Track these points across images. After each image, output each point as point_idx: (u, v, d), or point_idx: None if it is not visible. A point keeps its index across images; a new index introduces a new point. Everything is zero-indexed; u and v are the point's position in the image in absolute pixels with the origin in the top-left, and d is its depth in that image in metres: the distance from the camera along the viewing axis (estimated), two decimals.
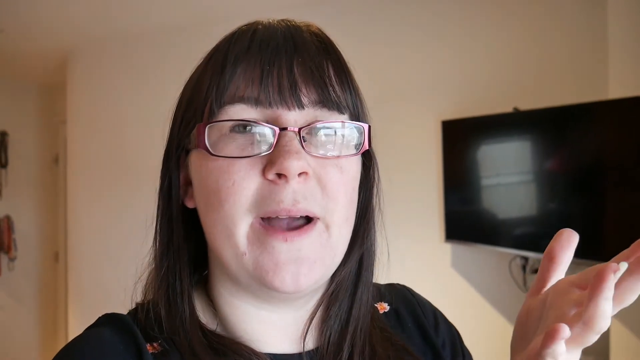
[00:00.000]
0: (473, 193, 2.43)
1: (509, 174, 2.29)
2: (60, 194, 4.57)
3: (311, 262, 0.49)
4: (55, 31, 3.39)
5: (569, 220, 2.01)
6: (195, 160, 0.53)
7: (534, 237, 2.14)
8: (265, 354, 0.53)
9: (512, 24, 2.48)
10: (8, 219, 4.62)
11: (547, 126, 2.10)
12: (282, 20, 0.55)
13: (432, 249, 2.66)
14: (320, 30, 0.56)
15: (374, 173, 0.59)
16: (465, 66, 2.58)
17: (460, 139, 2.48)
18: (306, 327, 0.56)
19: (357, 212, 0.57)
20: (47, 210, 4.87)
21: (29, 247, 4.76)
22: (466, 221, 2.46)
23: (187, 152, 0.54)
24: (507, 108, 2.27)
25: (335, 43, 0.55)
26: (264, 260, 0.48)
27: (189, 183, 0.55)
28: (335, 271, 0.57)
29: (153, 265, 0.57)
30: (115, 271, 3.51)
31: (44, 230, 4.88)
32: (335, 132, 0.51)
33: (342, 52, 0.55)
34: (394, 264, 0.61)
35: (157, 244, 0.56)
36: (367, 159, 0.58)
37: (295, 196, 0.48)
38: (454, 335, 0.68)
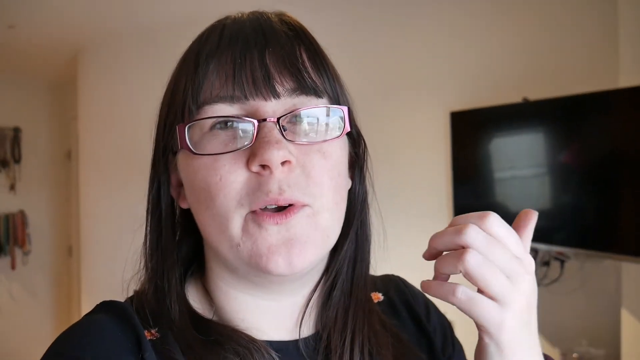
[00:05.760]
0: (483, 185, 2.41)
1: (519, 166, 2.26)
2: (73, 188, 4.62)
3: (302, 242, 0.49)
4: (66, 27, 3.41)
5: (582, 212, 1.98)
6: (182, 161, 0.54)
7: (545, 229, 2.12)
8: (263, 341, 0.53)
9: (520, 13, 2.45)
10: (22, 213, 4.69)
11: (557, 116, 2.07)
12: (252, 12, 0.55)
13: None
14: (291, 17, 0.56)
15: (362, 153, 0.59)
16: (474, 56, 2.56)
17: (469, 130, 2.46)
18: (302, 314, 0.57)
19: (353, 195, 0.58)
20: (60, 205, 4.94)
21: (43, 241, 4.84)
22: None
23: (175, 154, 0.55)
24: (517, 98, 2.24)
25: (308, 29, 0.55)
26: (258, 247, 0.49)
27: (181, 185, 0.56)
28: (332, 257, 0.57)
29: (143, 265, 0.58)
30: (127, 264, 3.54)
31: (57, 224, 4.95)
32: (315, 118, 0.51)
33: (315, 38, 0.55)
34: (404, 257, 0.61)
35: (147, 246, 0.57)
36: (355, 141, 0.58)
37: (281, 185, 0.48)
38: (445, 325, 0.69)
